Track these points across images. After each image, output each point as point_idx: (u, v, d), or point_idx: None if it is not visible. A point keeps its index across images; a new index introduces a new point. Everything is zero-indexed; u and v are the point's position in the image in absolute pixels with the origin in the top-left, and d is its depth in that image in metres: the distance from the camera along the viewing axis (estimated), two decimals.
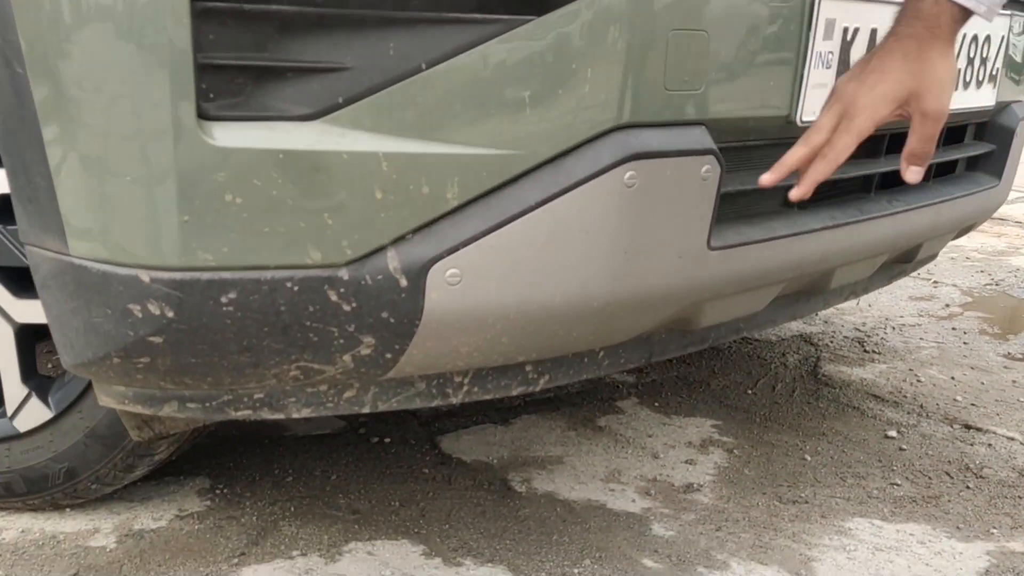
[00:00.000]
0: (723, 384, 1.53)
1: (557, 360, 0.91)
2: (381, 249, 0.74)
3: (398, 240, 0.74)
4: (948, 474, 1.22)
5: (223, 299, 0.72)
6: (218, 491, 1.11)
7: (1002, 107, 1.33)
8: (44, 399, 0.99)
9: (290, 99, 0.70)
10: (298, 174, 0.71)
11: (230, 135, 0.69)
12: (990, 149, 1.33)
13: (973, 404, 1.48)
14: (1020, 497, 1.16)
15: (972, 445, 1.32)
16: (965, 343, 1.83)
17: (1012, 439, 1.34)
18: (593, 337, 0.87)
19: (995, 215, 3.35)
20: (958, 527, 1.08)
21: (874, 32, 0.96)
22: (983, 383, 1.59)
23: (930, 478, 1.21)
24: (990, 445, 1.32)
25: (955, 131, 1.28)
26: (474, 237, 0.75)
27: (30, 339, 1.00)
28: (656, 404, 1.43)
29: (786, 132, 0.93)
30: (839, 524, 1.08)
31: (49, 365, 1.09)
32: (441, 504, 1.10)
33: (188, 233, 0.70)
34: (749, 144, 0.92)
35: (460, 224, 0.75)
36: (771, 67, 0.87)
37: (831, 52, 0.92)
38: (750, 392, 1.50)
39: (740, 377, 1.56)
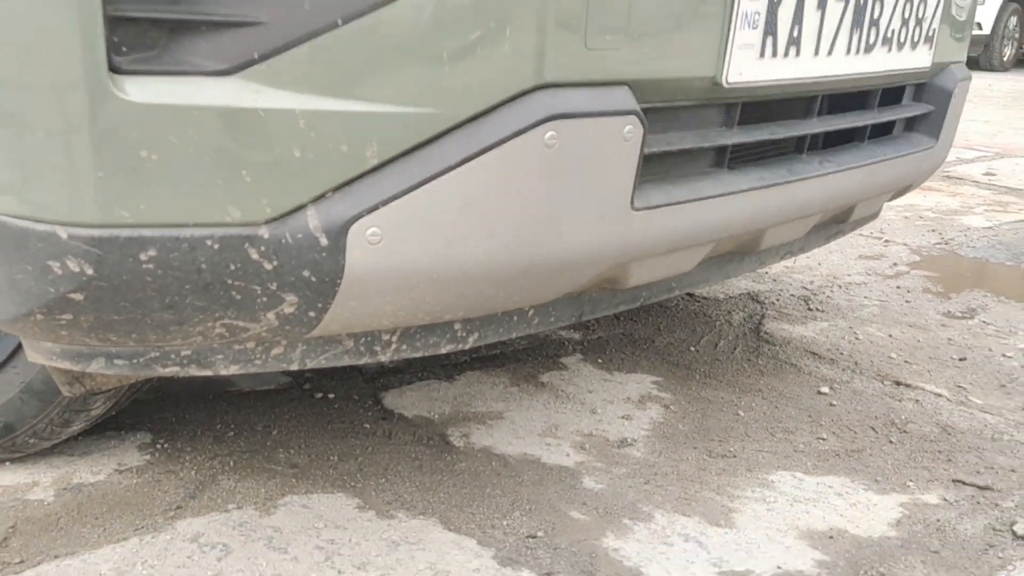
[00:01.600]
0: (667, 341, 1.55)
1: (486, 319, 0.93)
2: (301, 208, 0.75)
3: (318, 199, 0.75)
4: (873, 429, 1.26)
5: (143, 256, 0.73)
6: (158, 446, 1.12)
7: (940, 68, 1.35)
8: None
9: (204, 53, 0.70)
10: (214, 131, 0.71)
11: (143, 90, 0.69)
12: (927, 110, 1.36)
13: (907, 361, 1.52)
14: (940, 451, 1.21)
15: (900, 401, 1.36)
16: (907, 302, 1.87)
17: (939, 395, 1.39)
18: (520, 296, 0.89)
19: (952, 175, 3.39)
20: (876, 480, 1.12)
21: (802, 2, 0.97)
22: (919, 340, 1.63)
23: (855, 432, 1.25)
24: (918, 401, 1.36)
25: (892, 92, 1.30)
26: (394, 196, 0.76)
27: None
28: (599, 361, 1.45)
29: (713, 93, 0.94)
30: (763, 477, 1.12)
31: None
32: (379, 459, 1.12)
33: (104, 189, 0.71)
34: (675, 105, 0.93)
35: (380, 183, 0.76)
36: (696, 27, 0.88)
37: (758, 12, 0.93)
38: (693, 349, 1.53)
39: (685, 334, 1.59)
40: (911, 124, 1.37)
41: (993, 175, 3.40)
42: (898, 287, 1.98)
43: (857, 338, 1.62)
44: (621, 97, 0.84)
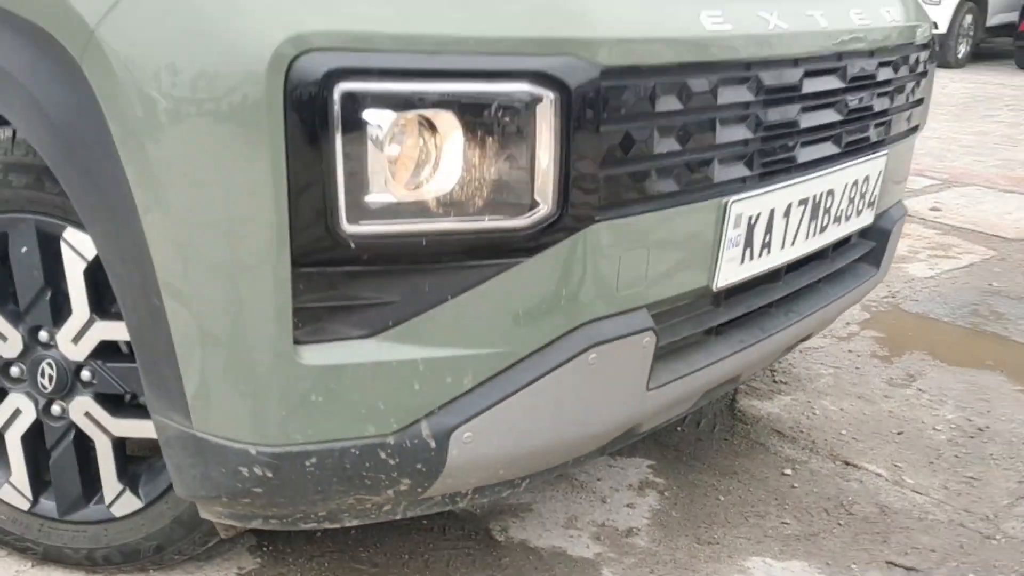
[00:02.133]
0: None
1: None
2: (417, 422, 1.04)
3: (429, 414, 1.04)
4: (826, 511, 1.59)
5: (307, 463, 1.02)
6: (265, 548, 1.41)
7: (881, 214, 1.65)
8: (135, 492, 1.27)
9: (356, 325, 0.99)
10: (361, 377, 1.00)
11: (314, 355, 0.97)
12: (871, 247, 1.67)
13: (854, 438, 1.85)
14: (878, 533, 1.53)
15: (848, 481, 1.69)
16: (857, 368, 2.20)
17: (879, 475, 1.72)
18: (567, 456, 1.19)
19: None
20: (827, 563, 1.45)
21: (772, 212, 1.26)
22: (865, 414, 1.96)
23: (812, 515, 1.57)
24: (861, 481, 1.69)
25: (842, 240, 1.61)
26: (483, 409, 1.05)
27: (123, 447, 1.27)
28: None
29: (705, 294, 1.24)
30: (741, 563, 1.43)
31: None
32: (440, 555, 1.42)
33: (285, 423, 0.99)
34: (678, 307, 1.23)
35: (472, 400, 1.05)
36: (695, 259, 1.18)
37: (739, 234, 1.23)
38: (679, 429, 1.85)
39: None
40: (862, 256, 1.68)
41: (939, 210, 3.74)
42: (849, 351, 2.31)
43: (814, 413, 1.95)
44: (641, 318, 1.13)
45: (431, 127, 0.94)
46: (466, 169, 0.95)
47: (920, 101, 1.66)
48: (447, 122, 0.94)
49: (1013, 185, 4.24)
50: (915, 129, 1.68)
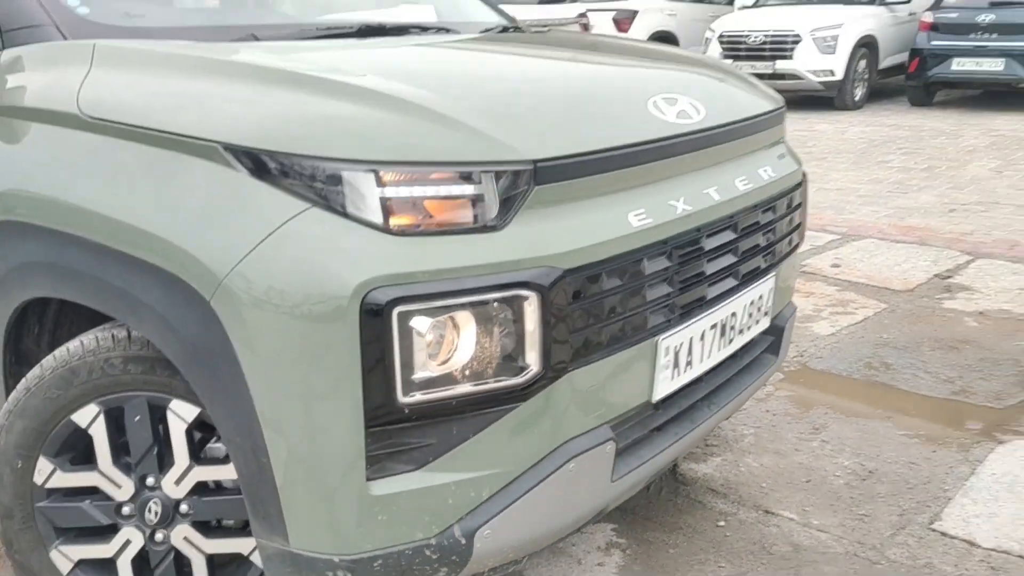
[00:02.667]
0: None
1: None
2: (451, 526, 1.44)
3: (459, 520, 1.45)
4: (752, 553, 2.03)
5: (375, 564, 1.42)
6: None
7: (777, 315, 2.13)
8: None
9: (406, 462, 1.40)
10: (411, 499, 1.40)
11: (379, 487, 1.38)
12: (771, 341, 2.14)
13: (772, 489, 2.31)
14: (792, 567, 1.98)
15: (768, 527, 2.14)
16: (773, 426, 2.67)
17: (792, 519, 2.17)
18: (555, 538, 1.61)
19: (806, 269, 4.23)
20: None
21: (691, 339, 1.72)
22: (780, 467, 2.43)
23: (741, 558, 2.02)
24: (778, 526, 2.15)
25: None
26: (497, 512, 1.46)
27: (212, 560, 1.65)
28: None
29: (646, 406, 1.68)
30: None
31: None
32: None
33: (359, 537, 1.39)
34: (628, 418, 1.66)
35: (489, 506, 1.46)
36: (638, 380, 1.62)
37: (669, 360, 1.67)
38: (634, 496, 2.28)
39: None
40: (764, 350, 2.15)
41: (839, 266, 4.30)
42: (766, 411, 2.78)
43: (740, 470, 2.41)
44: (603, 432, 1.56)
45: (454, 322, 1.37)
46: (478, 348, 1.38)
47: (798, 226, 2.14)
48: (464, 318, 1.36)
49: (903, 235, 4.84)
50: (796, 247, 2.16)
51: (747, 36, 10.67)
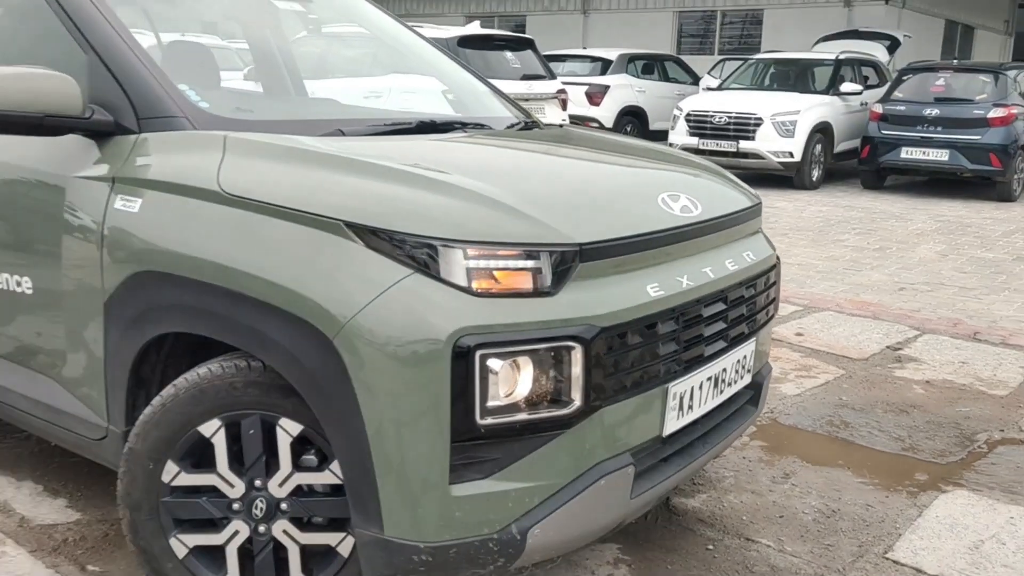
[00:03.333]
0: None
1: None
2: (509, 524, 1.82)
3: (516, 520, 1.83)
4: (737, 572, 2.42)
5: (450, 552, 1.79)
6: None
7: (757, 372, 2.56)
8: None
9: (478, 472, 1.78)
10: (481, 501, 1.78)
11: (458, 490, 1.76)
12: (751, 394, 2.57)
13: (752, 521, 2.71)
14: None
15: (749, 551, 2.54)
16: (749, 470, 3.09)
17: (769, 546, 2.57)
18: (584, 542, 1.99)
19: (773, 336, 4.67)
20: None
21: (692, 388, 2.14)
22: (757, 504, 2.83)
23: (727, 575, 2.41)
24: (758, 551, 2.54)
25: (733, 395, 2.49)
26: (545, 516, 1.84)
27: (303, 550, 2.00)
28: None
29: (657, 439, 2.09)
30: None
31: None
32: None
33: (440, 529, 1.77)
34: (643, 447, 2.06)
35: (539, 511, 1.84)
36: (652, 418, 2.03)
37: (676, 404, 2.09)
38: (634, 522, 2.66)
39: None
40: (747, 401, 2.58)
41: (802, 335, 4.77)
42: (743, 457, 3.19)
43: (723, 505, 2.81)
44: (626, 458, 1.96)
45: (518, 364, 1.77)
46: (535, 385, 1.78)
47: (773, 300, 2.59)
48: (526, 361, 1.77)
49: (858, 309, 5.35)
50: (772, 317, 2.61)
51: (712, 116, 11.39)
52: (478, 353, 1.71)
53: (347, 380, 1.74)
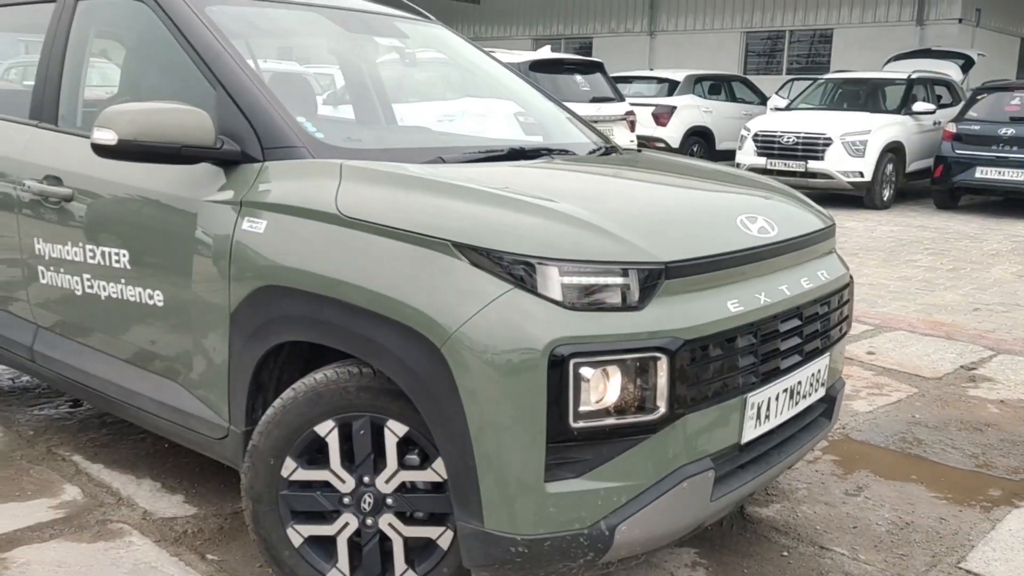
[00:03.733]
0: None
1: None
2: (599, 521, 1.98)
3: (605, 517, 1.98)
4: None
5: (545, 544, 1.95)
6: None
7: (830, 386, 2.67)
8: (414, 569, 2.17)
9: (570, 471, 1.94)
10: (573, 498, 1.94)
11: (552, 487, 1.92)
12: (825, 407, 2.67)
13: (825, 531, 2.81)
14: None
15: (823, 559, 2.64)
16: (822, 483, 3.18)
17: (843, 554, 2.67)
18: (668, 540, 2.13)
19: (845, 355, 4.72)
20: None
21: (768, 399, 2.26)
22: (831, 515, 2.92)
23: None
24: (832, 559, 2.64)
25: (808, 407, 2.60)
26: (631, 514, 1.99)
27: (406, 543, 2.18)
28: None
29: (735, 447, 2.22)
30: None
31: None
32: None
33: (536, 523, 1.93)
34: (722, 454, 2.20)
35: (626, 509, 1.99)
36: (731, 426, 2.16)
37: (753, 413, 2.22)
38: (710, 528, 2.79)
39: None
40: (821, 414, 2.68)
41: (874, 354, 4.81)
42: (816, 471, 3.28)
43: (797, 515, 2.91)
44: (707, 462, 2.10)
45: (607, 373, 1.93)
46: (623, 392, 1.94)
47: (847, 317, 2.70)
48: (614, 370, 1.93)
49: (930, 329, 5.36)
50: (845, 334, 2.72)
51: (781, 136, 11.40)
52: (572, 362, 1.88)
53: (453, 385, 1.92)
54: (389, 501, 2.16)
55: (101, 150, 2.29)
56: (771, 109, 14.38)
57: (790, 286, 2.34)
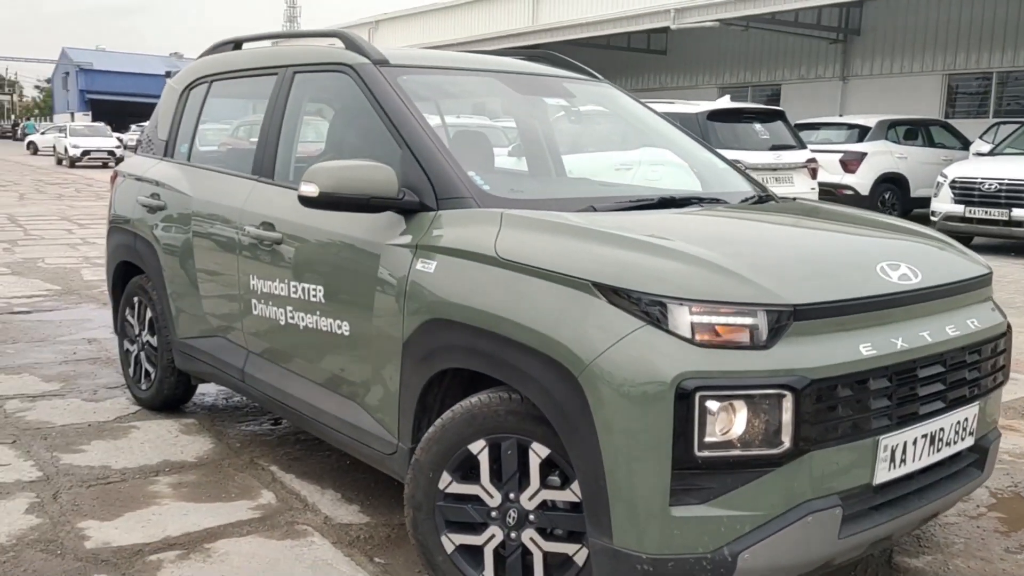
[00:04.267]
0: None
1: None
2: (721, 547, 2.10)
3: (728, 543, 2.10)
4: None
5: (669, 564, 2.10)
6: None
7: (982, 437, 2.63)
8: None
9: (695, 497, 2.08)
10: (697, 524, 2.08)
11: (677, 511, 2.08)
12: (976, 458, 2.64)
13: None
14: None
15: None
16: (982, 539, 3.08)
17: None
18: (794, 573, 2.21)
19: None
20: None
21: (904, 443, 2.29)
22: (985, 570, 2.84)
23: None
24: None
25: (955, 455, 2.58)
26: (755, 543, 2.10)
27: (545, 556, 2.39)
28: None
29: (868, 487, 2.27)
30: None
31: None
32: None
33: (660, 543, 2.09)
34: (853, 493, 2.25)
35: (749, 537, 2.10)
36: (861, 467, 2.22)
37: (886, 456, 2.26)
38: (853, 571, 2.79)
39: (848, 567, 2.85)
40: (970, 464, 2.65)
41: None
42: (978, 527, 3.18)
43: (948, 568, 2.85)
44: (834, 499, 2.17)
45: (733, 407, 2.07)
46: (749, 426, 2.07)
47: (1002, 367, 2.66)
48: (740, 404, 2.07)
49: None
50: (1000, 384, 2.67)
51: (982, 183, 10.78)
52: (698, 395, 2.04)
53: (588, 412, 2.13)
54: (531, 517, 2.38)
55: (305, 201, 2.71)
56: (973, 154, 13.59)
57: (933, 332, 2.38)
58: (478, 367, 2.44)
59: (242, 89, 4.00)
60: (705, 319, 2.11)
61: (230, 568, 2.75)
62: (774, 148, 9.02)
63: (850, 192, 13.59)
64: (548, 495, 2.36)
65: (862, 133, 14.04)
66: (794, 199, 3.47)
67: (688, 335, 2.10)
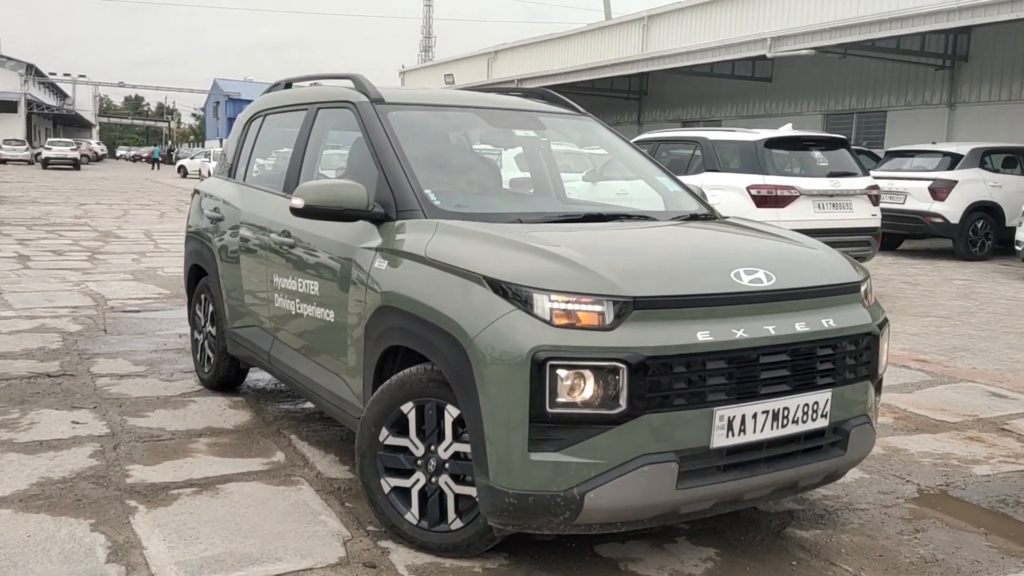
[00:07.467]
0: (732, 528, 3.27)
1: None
2: (572, 487, 2.64)
3: (578, 484, 2.64)
4: None
5: (530, 499, 2.65)
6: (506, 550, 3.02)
7: (843, 421, 3.04)
8: (461, 518, 2.97)
9: (549, 447, 2.64)
10: (552, 467, 2.64)
11: (535, 456, 2.64)
12: (837, 439, 3.05)
13: (848, 555, 3.13)
14: None
15: (827, 572, 2.99)
16: (882, 524, 3.44)
17: (847, 571, 3.00)
18: (639, 516, 2.72)
19: (1005, 427, 4.71)
20: None
21: (743, 416, 2.77)
22: (865, 545, 3.22)
23: None
24: (833, 573, 2.99)
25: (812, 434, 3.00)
26: (599, 485, 2.63)
27: (457, 498, 2.98)
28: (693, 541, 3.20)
29: (707, 450, 2.76)
30: None
31: None
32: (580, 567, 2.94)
33: (523, 481, 2.65)
34: (694, 453, 2.75)
35: (595, 480, 2.63)
36: (699, 431, 2.71)
37: (723, 425, 2.74)
38: (741, 538, 3.24)
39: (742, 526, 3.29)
40: (831, 444, 3.06)
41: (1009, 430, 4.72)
42: (885, 513, 3.54)
43: (831, 541, 3.25)
44: (670, 455, 2.68)
45: (581, 375, 2.62)
46: (593, 391, 2.61)
47: (866, 363, 3.07)
48: (588, 373, 2.61)
49: None
50: (865, 378, 3.08)
51: None
52: (548, 363, 2.61)
53: (472, 377, 2.73)
54: (446, 465, 2.98)
55: (295, 211, 3.43)
56: None
57: (778, 327, 2.85)
58: (410, 344, 3.08)
59: (284, 121, 4.79)
60: (560, 305, 2.67)
61: (229, 502, 3.47)
62: (832, 175, 9.25)
63: (939, 220, 13.46)
64: (459, 447, 2.96)
65: (954, 161, 13.87)
66: (726, 218, 3.94)
67: (547, 318, 2.67)
